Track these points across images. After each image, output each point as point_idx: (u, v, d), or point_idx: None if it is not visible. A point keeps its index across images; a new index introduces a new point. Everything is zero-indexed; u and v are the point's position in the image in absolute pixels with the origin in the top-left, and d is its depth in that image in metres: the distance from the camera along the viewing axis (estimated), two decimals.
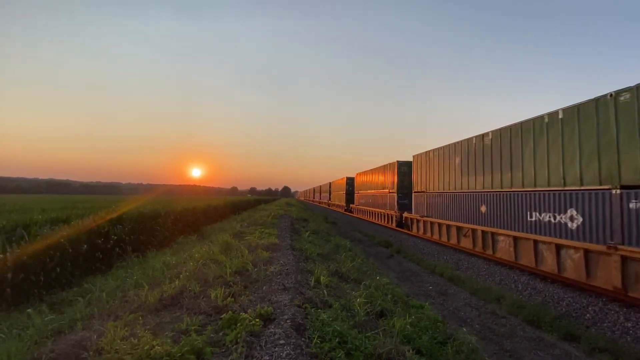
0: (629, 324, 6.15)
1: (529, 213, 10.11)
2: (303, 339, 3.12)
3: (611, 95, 7.65)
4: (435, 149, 16.72)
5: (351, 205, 38.39)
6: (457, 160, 14.53)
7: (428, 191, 17.42)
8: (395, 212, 22.34)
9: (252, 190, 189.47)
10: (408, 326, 3.91)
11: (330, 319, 3.56)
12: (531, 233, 9.79)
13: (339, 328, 3.34)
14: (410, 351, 3.26)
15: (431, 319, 4.54)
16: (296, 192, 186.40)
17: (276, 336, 3.09)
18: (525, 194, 10.26)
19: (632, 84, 7.29)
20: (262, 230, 10.88)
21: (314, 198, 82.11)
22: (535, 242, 9.31)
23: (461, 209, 14.06)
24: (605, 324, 6.31)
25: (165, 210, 13.47)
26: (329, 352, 2.96)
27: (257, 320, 3.35)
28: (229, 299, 4.20)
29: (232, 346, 2.98)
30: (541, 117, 9.74)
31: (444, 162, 15.79)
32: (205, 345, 2.98)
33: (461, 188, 14.15)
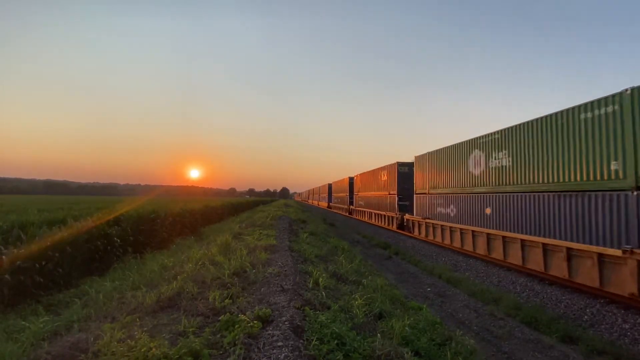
0: (627, 326, 6.16)
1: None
2: (301, 340, 3.11)
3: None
4: (368, 171, 28.73)
5: (330, 204, 53.95)
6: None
7: (361, 194, 30.12)
8: (347, 205, 38.15)
9: (251, 192, 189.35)
10: (407, 328, 3.90)
11: (329, 321, 3.55)
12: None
13: (337, 330, 3.33)
14: (409, 353, 3.26)
15: (429, 320, 4.53)
16: (294, 193, 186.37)
17: (274, 338, 3.07)
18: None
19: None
20: (261, 231, 10.88)
21: (309, 199, 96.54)
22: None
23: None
24: (603, 326, 6.32)
25: (163, 212, 13.43)
26: (328, 354, 2.94)
27: (255, 322, 3.34)
28: (227, 300, 4.18)
29: (230, 348, 2.96)
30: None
31: (371, 177, 27.04)
32: (202, 347, 2.96)
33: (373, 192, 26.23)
